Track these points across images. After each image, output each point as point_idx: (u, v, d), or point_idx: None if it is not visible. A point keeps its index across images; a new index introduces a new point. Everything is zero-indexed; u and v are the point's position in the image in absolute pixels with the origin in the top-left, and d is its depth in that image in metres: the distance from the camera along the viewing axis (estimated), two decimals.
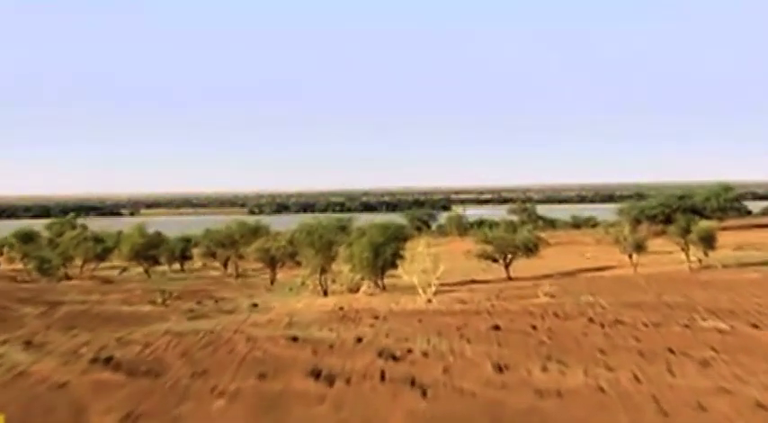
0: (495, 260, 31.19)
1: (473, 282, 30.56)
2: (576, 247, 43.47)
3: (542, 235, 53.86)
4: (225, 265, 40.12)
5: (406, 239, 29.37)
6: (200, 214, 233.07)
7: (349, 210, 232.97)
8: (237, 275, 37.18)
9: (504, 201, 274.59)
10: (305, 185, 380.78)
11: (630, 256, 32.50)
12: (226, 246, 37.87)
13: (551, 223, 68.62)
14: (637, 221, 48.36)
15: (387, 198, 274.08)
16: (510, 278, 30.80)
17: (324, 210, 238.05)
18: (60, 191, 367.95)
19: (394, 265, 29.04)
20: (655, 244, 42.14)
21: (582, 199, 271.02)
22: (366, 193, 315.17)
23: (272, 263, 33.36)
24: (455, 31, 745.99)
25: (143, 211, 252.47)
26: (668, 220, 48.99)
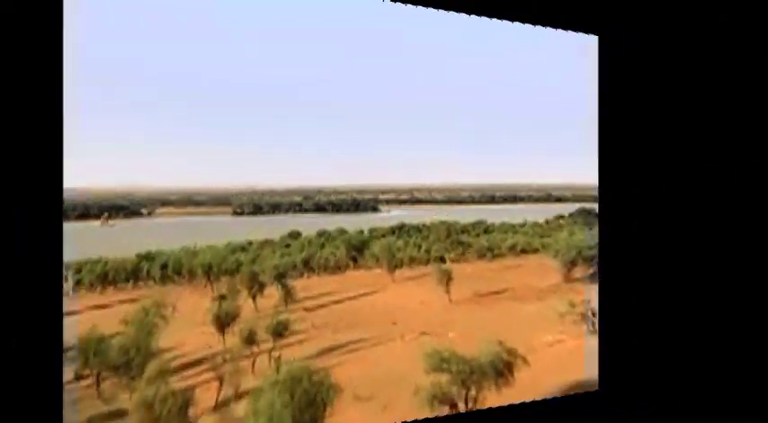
0: (452, 405, 19.78)
1: None
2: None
3: None
4: None
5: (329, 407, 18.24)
6: (201, 214, 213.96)
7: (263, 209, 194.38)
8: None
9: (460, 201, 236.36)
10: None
11: None
12: (119, 369, 27.21)
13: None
14: None
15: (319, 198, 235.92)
16: None
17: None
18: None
19: None
20: None
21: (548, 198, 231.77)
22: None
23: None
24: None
25: (158, 210, 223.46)
26: None
